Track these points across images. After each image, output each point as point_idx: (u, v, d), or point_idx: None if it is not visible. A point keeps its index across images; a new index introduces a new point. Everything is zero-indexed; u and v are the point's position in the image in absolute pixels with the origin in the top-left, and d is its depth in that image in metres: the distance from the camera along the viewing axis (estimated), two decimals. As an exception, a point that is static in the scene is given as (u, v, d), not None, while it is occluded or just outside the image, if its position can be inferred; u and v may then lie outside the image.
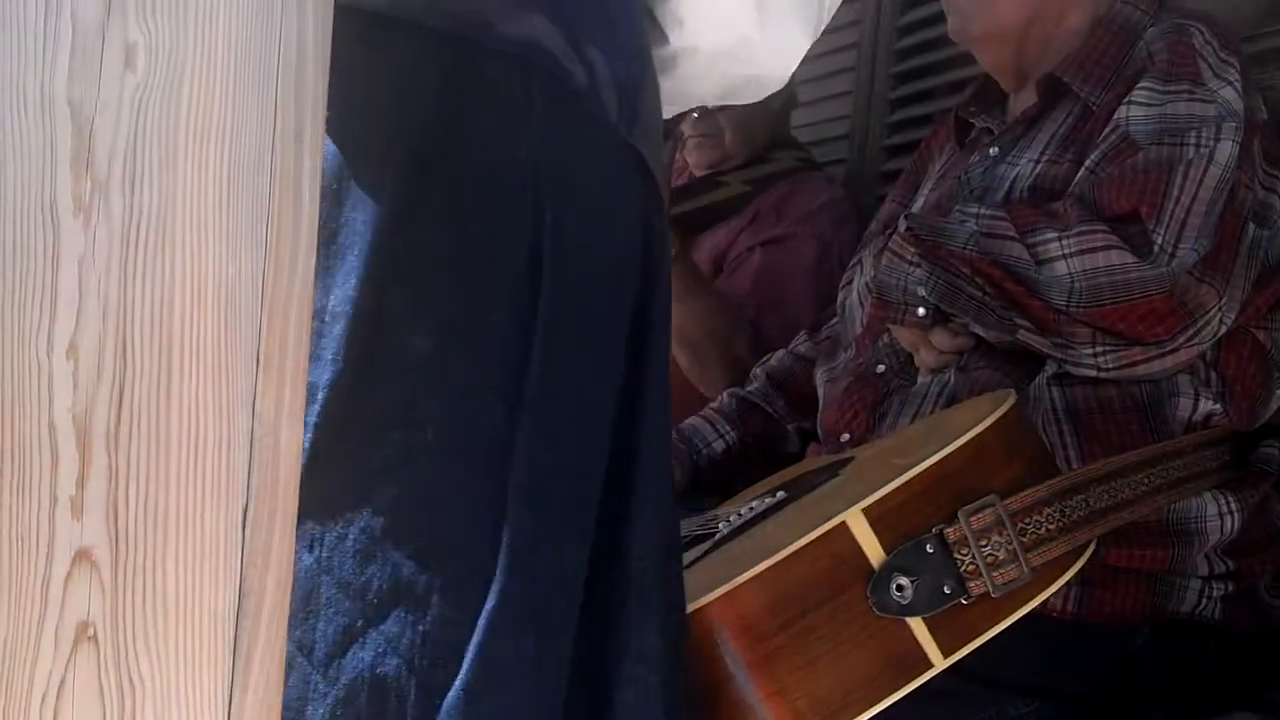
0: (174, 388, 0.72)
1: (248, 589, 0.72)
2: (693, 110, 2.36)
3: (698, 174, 2.65)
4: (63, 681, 0.69)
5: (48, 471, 0.70)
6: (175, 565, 0.71)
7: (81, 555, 0.70)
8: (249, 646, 0.72)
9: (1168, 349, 1.46)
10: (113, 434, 0.71)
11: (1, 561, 0.69)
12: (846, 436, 1.70)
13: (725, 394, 2.13)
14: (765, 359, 2.16)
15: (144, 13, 0.74)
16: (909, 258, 1.53)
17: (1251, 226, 1.51)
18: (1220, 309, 1.46)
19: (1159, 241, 1.43)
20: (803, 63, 2.75)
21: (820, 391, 1.90)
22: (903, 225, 1.57)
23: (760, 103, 2.55)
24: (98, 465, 0.71)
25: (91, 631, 0.70)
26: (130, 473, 0.71)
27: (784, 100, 2.65)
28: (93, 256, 0.72)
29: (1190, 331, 1.45)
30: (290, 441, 0.74)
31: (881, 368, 1.71)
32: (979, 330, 1.55)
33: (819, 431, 1.85)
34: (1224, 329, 1.49)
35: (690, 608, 1.12)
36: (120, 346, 0.71)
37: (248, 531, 0.73)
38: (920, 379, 1.65)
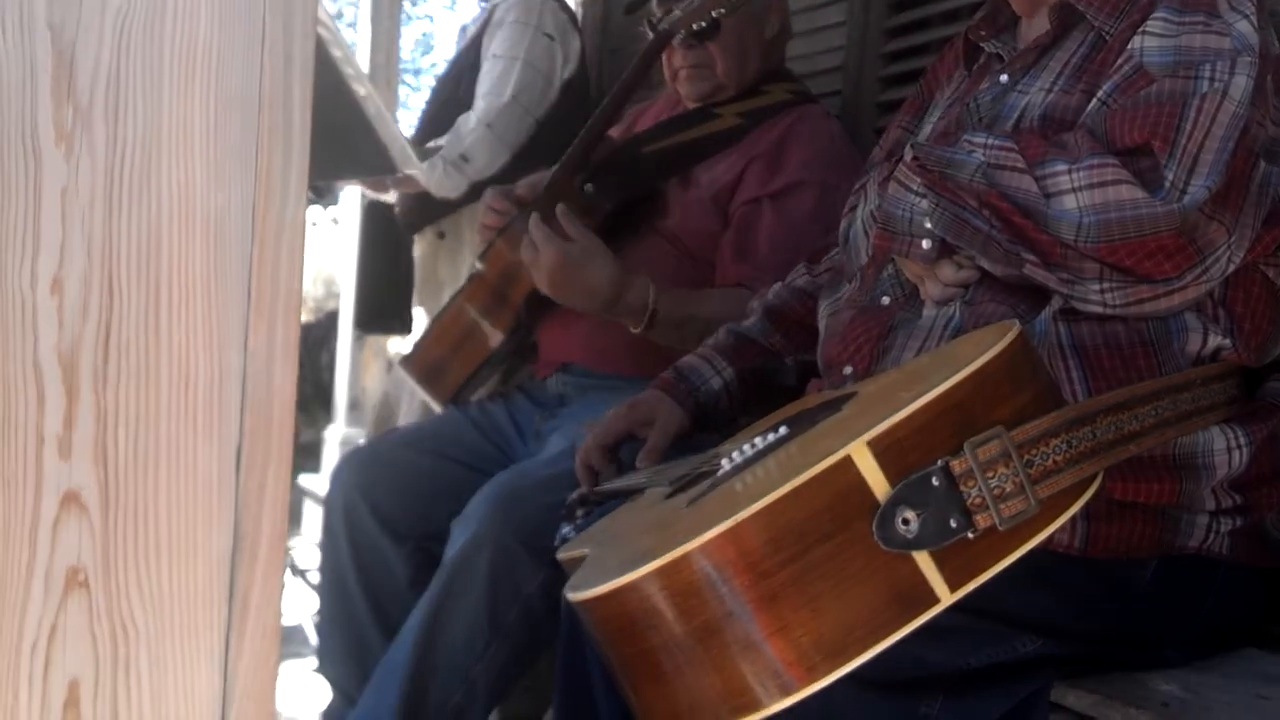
0: (163, 324, 0.69)
1: (243, 532, 0.70)
2: (679, 32, 2.34)
3: (690, 105, 2.62)
4: (53, 628, 0.67)
5: (33, 411, 0.68)
6: (167, 508, 0.69)
7: (70, 498, 0.68)
8: (245, 591, 0.70)
9: (1175, 286, 1.44)
10: (100, 372, 0.69)
11: (-13, 505, 0.67)
12: (849, 369, 1.68)
13: (722, 330, 2.12)
14: (762, 292, 2.14)
15: (125, -69, 0.71)
16: (915, 188, 1.51)
17: (1262, 163, 1.48)
18: (1229, 247, 1.44)
19: (1170, 177, 1.40)
20: (795, -7, 2.66)
21: (822, 324, 1.87)
22: (909, 154, 1.53)
23: (753, 32, 2.54)
24: (85, 404, 0.68)
25: (82, 576, 0.68)
26: (119, 412, 0.69)
27: (777, 31, 2.61)
28: (76, 188, 0.69)
29: (1199, 269, 1.43)
30: (284, 379, 0.72)
31: (886, 300, 1.69)
32: (985, 263, 1.52)
33: (820, 364, 1.82)
34: (1232, 267, 1.47)
35: (690, 545, 1.10)
36: (106, 281, 0.69)
37: (241, 473, 0.70)
38: (926, 312, 1.63)
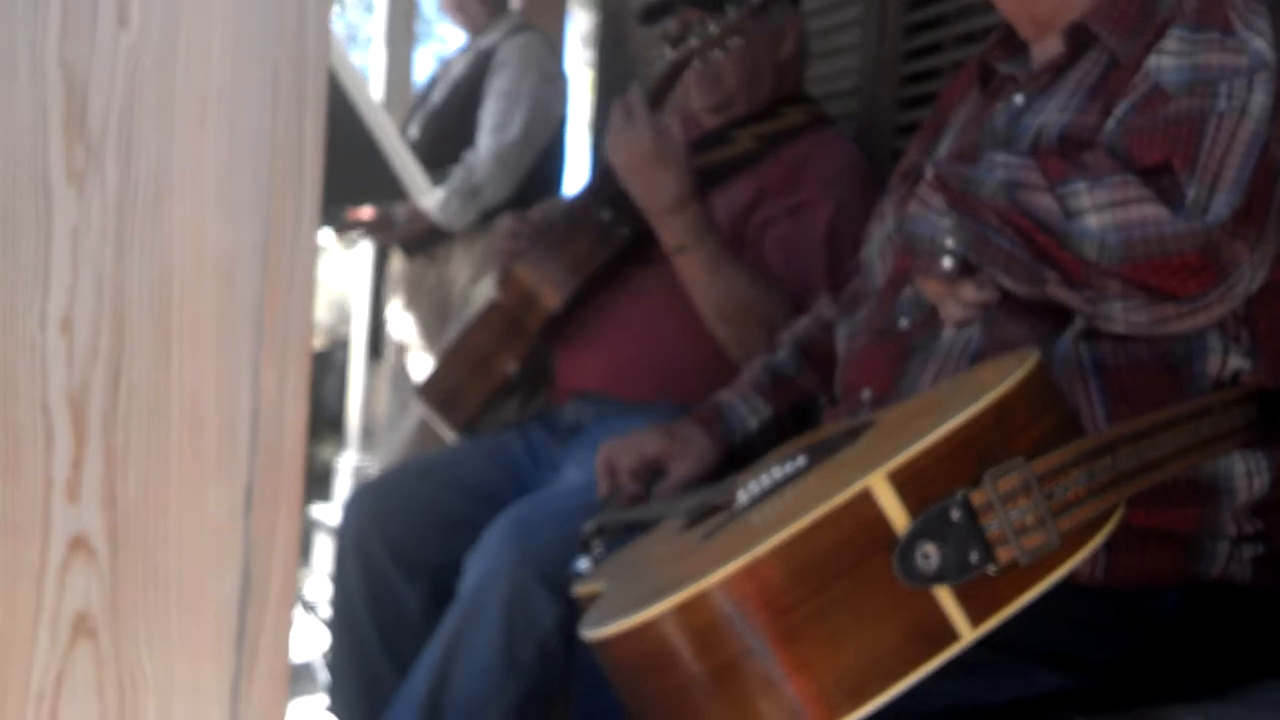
0: (172, 364, 0.69)
1: (252, 575, 0.69)
2: (694, 60, 2.34)
3: (704, 120, 2.61)
4: (60, 676, 0.66)
5: (41, 454, 0.67)
6: (176, 551, 0.68)
7: (78, 542, 0.67)
8: (254, 637, 0.69)
9: (1199, 305, 1.43)
10: (109, 414, 0.68)
11: (-5, 549, 0.66)
12: (868, 393, 1.67)
13: (757, 365, 2.11)
14: (791, 324, 2.13)
15: (136, -33, 0.70)
16: (936, 207, 1.50)
17: None
18: (1252, 265, 1.44)
19: (1192, 195, 1.40)
20: (811, 17, 2.75)
21: (840, 347, 1.87)
22: (930, 173, 1.53)
23: (767, 52, 2.54)
24: (93, 447, 0.68)
25: (90, 623, 0.67)
26: (128, 454, 0.68)
27: (792, 53, 2.60)
28: (87, 226, 0.68)
29: (1223, 288, 1.42)
30: (294, 419, 0.71)
31: (905, 323, 1.68)
32: (1007, 283, 1.51)
33: (837, 388, 1.81)
34: (1256, 285, 1.47)
35: (708, 581, 1.09)
36: (116, 322, 0.68)
37: (251, 514, 0.69)
38: (944, 334, 1.62)
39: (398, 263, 4.13)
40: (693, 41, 2.32)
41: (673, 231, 2.27)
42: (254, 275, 0.71)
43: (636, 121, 2.24)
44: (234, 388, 0.71)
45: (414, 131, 3.99)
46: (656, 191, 2.24)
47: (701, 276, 2.27)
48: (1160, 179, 1.42)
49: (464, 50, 4.08)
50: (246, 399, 0.71)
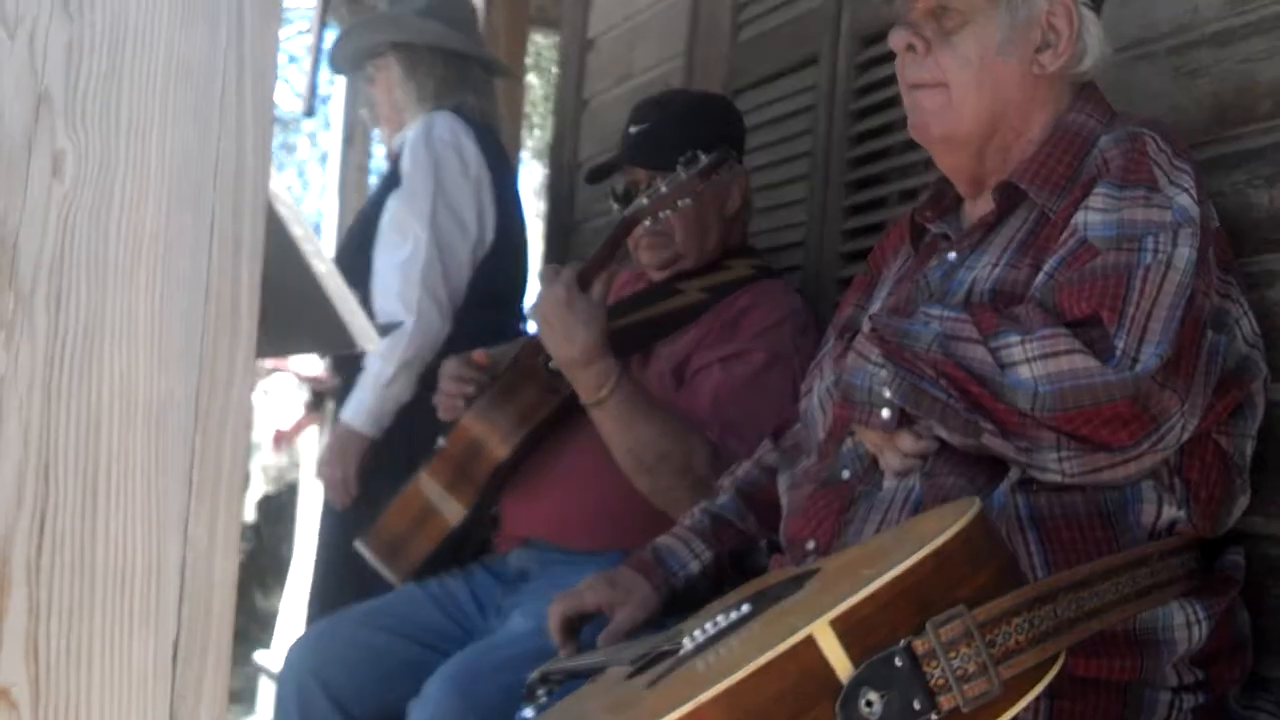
0: (100, 514, 0.68)
1: (177, 728, 0.68)
2: (645, 219, 2.37)
3: (653, 275, 2.64)
4: (-26, 836, 0.65)
5: (-37, 606, 0.66)
6: (100, 704, 0.67)
7: (-1, 695, 0.66)
8: (178, 793, 0.67)
9: (1132, 455, 1.45)
10: (33, 564, 0.67)
11: (-90, 704, 0.65)
12: (812, 544, 1.68)
13: (697, 510, 2.11)
14: (732, 469, 2.13)
15: (74, 119, 0.71)
16: (874, 359, 1.52)
17: (1210, 332, 1.51)
18: (1183, 414, 1.46)
19: (1121, 346, 1.43)
20: (757, 171, 2.83)
21: (783, 499, 1.87)
22: (866, 326, 1.55)
23: (714, 208, 2.58)
24: (17, 598, 0.66)
25: (7, 781, 0.65)
26: (52, 605, 0.67)
27: (738, 208, 2.65)
28: (15, 376, 0.68)
29: (1154, 437, 1.44)
30: (225, 568, 0.70)
31: (846, 474, 1.69)
32: (943, 433, 1.53)
33: (782, 540, 1.81)
34: (1186, 435, 1.49)
35: None
36: (42, 471, 0.67)
37: (178, 665, 0.68)
38: (886, 484, 1.63)
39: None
40: (642, 200, 2.35)
41: (585, 386, 2.30)
42: (185, 423, 0.70)
43: (557, 280, 2.28)
44: (163, 536, 0.70)
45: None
46: (566, 343, 2.28)
47: (616, 429, 2.29)
48: (1090, 330, 1.45)
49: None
50: (175, 549, 0.70)
